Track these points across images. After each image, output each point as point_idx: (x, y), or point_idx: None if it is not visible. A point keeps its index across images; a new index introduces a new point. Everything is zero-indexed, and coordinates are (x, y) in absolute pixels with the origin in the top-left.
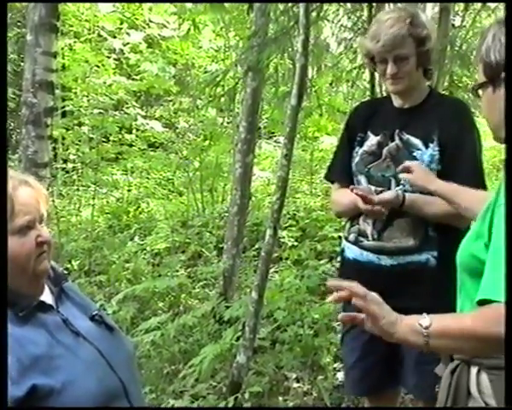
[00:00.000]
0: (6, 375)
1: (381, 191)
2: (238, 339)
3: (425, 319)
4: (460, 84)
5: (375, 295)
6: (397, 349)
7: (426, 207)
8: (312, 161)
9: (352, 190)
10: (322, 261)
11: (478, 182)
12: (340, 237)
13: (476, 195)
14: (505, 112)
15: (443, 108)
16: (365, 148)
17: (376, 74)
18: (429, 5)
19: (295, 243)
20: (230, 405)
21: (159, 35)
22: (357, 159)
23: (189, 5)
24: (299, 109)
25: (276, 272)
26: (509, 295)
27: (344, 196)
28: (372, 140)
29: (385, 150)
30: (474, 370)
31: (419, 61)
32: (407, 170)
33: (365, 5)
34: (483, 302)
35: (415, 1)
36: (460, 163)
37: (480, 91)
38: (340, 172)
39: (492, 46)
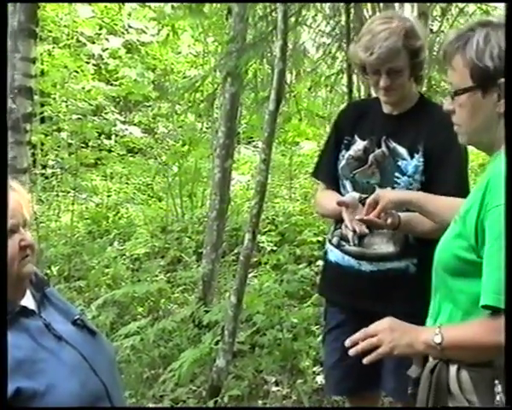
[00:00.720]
0: (6, 375)
1: (366, 198)
2: (217, 343)
3: (437, 336)
4: (438, 89)
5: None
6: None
7: (419, 226)
8: (291, 166)
9: (338, 205)
10: (301, 266)
11: (462, 194)
12: (319, 242)
13: (447, 202)
14: (505, 112)
15: (431, 117)
16: (351, 152)
17: (354, 79)
18: (407, 10)
19: (274, 248)
20: None
21: (138, 40)
22: (343, 162)
23: (168, 10)
24: (277, 114)
25: (256, 276)
26: (509, 296)
27: (328, 201)
28: (359, 145)
29: (371, 157)
30: (453, 368)
31: (412, 71)
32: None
33: (343, 10)
34: (488, 307)
35: (404, 1)
36: (444, 175)
37: (464, 96)
38: (327, 174)
39: (487, 51)
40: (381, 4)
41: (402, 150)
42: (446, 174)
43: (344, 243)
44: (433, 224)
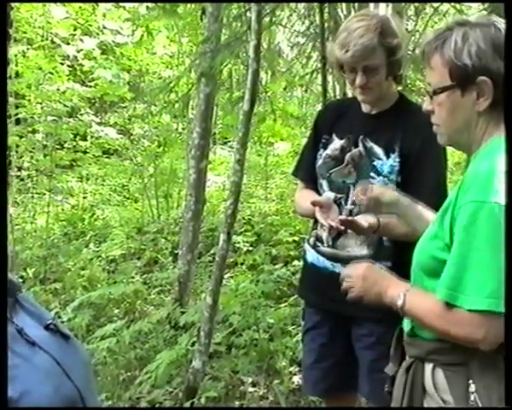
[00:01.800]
0: (6, 375)
1: (341, 198)
2: (193, 344)
3: (400, 300)
4: (413, 88)
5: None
6: (352, 355)
7: (395, 229)
8: (267, 166)
9: (312, 204)
10: (277, 266)
11: (438, 196)
12: (295, 242)
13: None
14: (505, 113)
15: (409, 117)
16: (329, 151)
17: (330, 79)
18: (382, 9)
19: (250, 248)
20: None
21: (113, 41)
22: (320, 161)
23: (142, 11)
24: (252, 115)
25: (232, 277)
26: (510, 295)
27: (305, 200)
28: (336, 144)
29: (347, 156)
30: (428, 367)
31: (389, 70)
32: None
33: (317, 10)
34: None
35: (397, 1)
36: (421, 177)
37: (443, 95)
38: (305, 172)
39: (465, 49)
40: (356, 4)
41: (378, 150)
42: (423, 176)
43: (319, 244)
44: (409, 228)
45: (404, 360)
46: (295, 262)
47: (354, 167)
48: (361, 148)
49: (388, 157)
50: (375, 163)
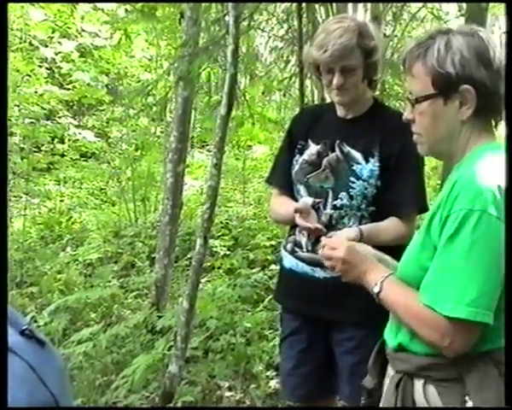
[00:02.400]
0: (6, 375)
1: (319, 203)
2: (170, 349)
3: (376, 287)
4: (391, 93)
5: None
6: (331, 359)
7: (380, 235)
8: (245, 170)
9: (295, 212)
10: (254, 270)
11: (420, 200)
12: (272, 246)
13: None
14: (505, 114)
15: (386, 121)
16: (305, 157)
17: (308, 83)
18: (360, 14)
19: (228, 252)
20: None
21: (91, 44)
22: (296, 167)
23: (121, 14)
24: (229, 119)
25: (209, 281)
26: (509, 296)
27: (282, 207)
28: (312, 149)
29: (325, 161)
30: (419, 382)
31: (365, 72)
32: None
33: (296, 14)
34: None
35: (394, 1)
36: (403, 182)
37: (425, 104)
38: (281, 179)
39: (449, 57)
40: (335, 8)
41: (357, 155)
42: (404, 180)
43: (297, 250)
44: (397, 231)
45: (383, 374)
46: (272, 266)
47: (331, 172)
48: (338, 152)
49: (367, 162)
50: (354, 168)
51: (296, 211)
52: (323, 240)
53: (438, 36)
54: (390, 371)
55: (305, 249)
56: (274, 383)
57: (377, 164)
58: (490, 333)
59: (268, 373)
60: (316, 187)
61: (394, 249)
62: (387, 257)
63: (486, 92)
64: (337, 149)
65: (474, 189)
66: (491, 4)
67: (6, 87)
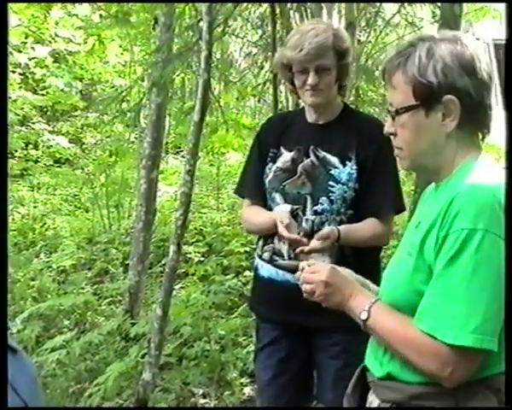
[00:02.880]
0: (6, 375)
1: (297, 209)
2: (144, 356)
3: (364, 313)
4: (365, 99)
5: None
6: (311, 367)
7: (357, 235)
8: (219, 176)
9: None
10: (228, 276)
11: (398, 202)
12: (246, 252)
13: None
14: (506, 117)
15: (359, 125)
16: (279, 164)
17: (282, 88)
18: (335, 20)
19: (202, 259)
20: None
21: (65, 50)
22: (270, 175)
23: (96, 19)
24: (202, 125)
25: (183, 287)
26: (510, 296)
27: (256, 216)
28: (286, 156)
29: (300, 167)
30: None
31: (338, 74)
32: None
33: (270, 20)
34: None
35: (394, 1)
36: (381, 183)
37: (406, 115)
38: (252, 189)
39: (430, 66)
40: (309, 15)
41: (333, 159)
42: (383, 183)
43: (277, 258)
44: (375, 229)
45: (363, 403)
46: (247, 273)
47: (307, 178)
48: (313, 158)
49: (345, 165)
50: (332, 172)
51: (282, 222)
52: (301, 264)
53: (419, 43)
54: (373, 399)
55: (286, 258)
56: (248, 390)
57: (354, 167)
58: (490, 358)
59: (242, 380)
60: (293, 194)
61: (371, 250)
62: (368, 282)
63: (471, 103)
64: (312, 155)
65: (476, 206)
66: (465, 10)
67: (6, 87)
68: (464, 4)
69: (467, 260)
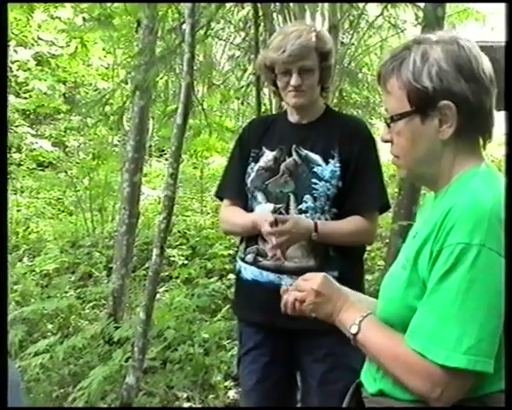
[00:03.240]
0: (6, 375)
1: (280, 208)
2: (128, 360)
3: (354, 327)
4: (349, 101)
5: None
6: (295, 370)
7: (337, 231)
8: (203, 179)
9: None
10: (212, 279)
11: (383, 200)
12: (230, 255)
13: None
14: (506, 117)
15: (342, 124)
16: (261, 164)
17: (266, 91)
18: (318, 23)
19: (185, 262)
20: None
21: (48, 53)
22: (252, 175)
23: (79, 22)
24: (185, 128)
25: (167, 290)
26: (510, 297)
27: (236, 216)
28: (268, 155)
29: (282, 166)
30: None
31: (321, 76)
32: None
33: (252, 23)
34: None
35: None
36: (364, 181)
37: (401, 122)
38: (232, 189)
39: (425, 70)
40: (293, 18)
41: (315, 157)
42: (367, 181)
43: (261, 259)
44: (356, 230)
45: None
46: (230, 276)
47: (290, 176)
48: (295, 157)
49: (327, 163)
50: (315, 170)
51: (271, 224)
52: (283, 288)
53: (414, 46)
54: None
55: (270, 258)
56: (232, 394)
57: (338, 165)
58: (488, 377)
59: (226, 383)
60: (275, 193)
61: (355, 251)
62: (365, 297)
63: (469, 108)
64: (294, 154)
65: (472, 220)
66: (448, 13)
67: (6, 87)
68: (447, 6)
69: (461, 277)
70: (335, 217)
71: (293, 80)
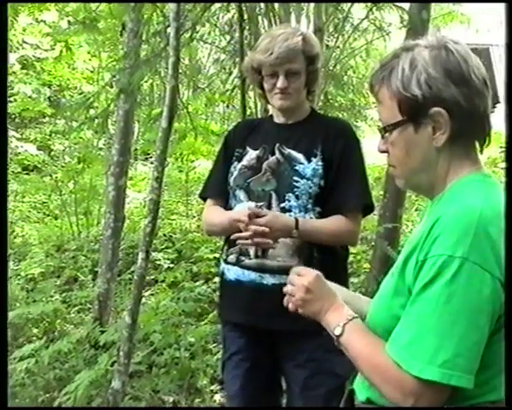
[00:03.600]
0: (6, 374)
1: (261, 206)
2: (113, 364)
3: (338, 329)
4: (335, 104)
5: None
6: (279, 377)
7: (318, 230)
8: (188, 183)
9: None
10: (197, 283)
11: (365, 200)
12: (215, 258)
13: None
14: (506, 118)
15: (326, 125)
16: (244, 162)
17: (251, 94)
18: (304, 26)
19: (171, 265)
20: None
21: (33, 56)
22: (235, 173)
23: (64, 26)
24: (170, 131)
25: (153, 294)
26: (510, 292)
27: (215, 216)
28: (251, 154)
29: (265, 164)
30: None
31: (307, 79)
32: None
33: (237, 26)
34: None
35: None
36: (347, 180)
37: (395, 132)
38: (215, 189)
39: (414, 78)
40: (278, 21)
41: (298, 155)
42: (350, 180)
43: (243, 258)
44: (338, 229)
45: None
46: (216, 279)
47: (272, 175)
48: (278, 155)
49: (310, 161)
50: (296, 167)
51: (249, 217)
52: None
53: (402, 54)
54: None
55: (253, 257)
56: (218, 397)
57: (320, 163)
58: (477, 388)
59: (212, 387)
60: (257, 191)
61: (339, 252)
62: (357, 295)
63: (462, 113)
64: (277, 152)
65: (457, 232)
66: (433, 15)
67: (5, 87)
68: (432, 9)
69: (441, 289)
70: (320, 216)
71: (280, 83)
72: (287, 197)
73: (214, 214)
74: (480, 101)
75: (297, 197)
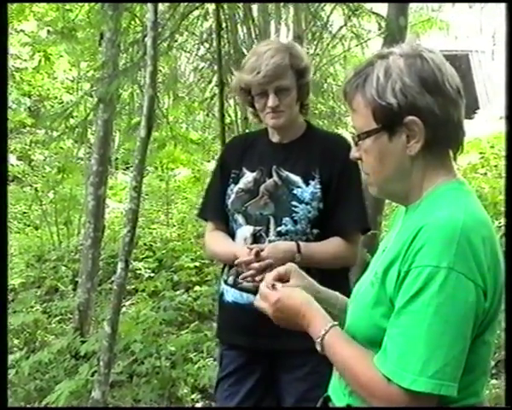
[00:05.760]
0: (6, 374)
1: (259, 231)
2: (94, 374)
3: (318, 343)
4: (315, 112)
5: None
6: (275, 391)
7: (319, 253)
8: (168, 192)
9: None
10: (178, 292)
11: (362, 221)
12: (196, 267)
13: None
14: (506, 118)
15: (323, 144)
16: (241, 185)
17: (231, 102)
18: (283, 34)
19: (152, 274)
20: None
21: (12, 66)
22: (232, 197)
23: (43, 35)
24: (149, 141)
25: (133, 304)
26: (510, 291)
27: (218, 245)
28: (248, 177)
29: (262, 187)
30: None
31: (299, 93)
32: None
33: (215, 35)
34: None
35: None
36: (346, 203)
37: (369, 140)
38: (215, 212)
39: (389, 86)
40: (257, 29)
41: (296, 178)
42: (348, 202)
43: (241, 281)
44: (338, 252)
45: None
46: (197, 288)
47: (270, 198)
48: (276, 178)
49: (308, 185)
50: (294, 191)
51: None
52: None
53: (377, 62)
54: None
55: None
56: (199, 406)
57: (318, 186)
58: (461, 392)
59: (193, 396)
60: (255, 215)
61: (339, 271)
62: (333, 293)
63: (436, 122)
64: (274, 175)
65: (441, 242)
66: (412, 22)
67: (6, 87)
68: (411, 15)
69: (428, 300)
70: (318, 237)
71: (271, 101)
72: (283, 221)
73: (217, 244)
74: (454, 109)
75: (295, 222)
